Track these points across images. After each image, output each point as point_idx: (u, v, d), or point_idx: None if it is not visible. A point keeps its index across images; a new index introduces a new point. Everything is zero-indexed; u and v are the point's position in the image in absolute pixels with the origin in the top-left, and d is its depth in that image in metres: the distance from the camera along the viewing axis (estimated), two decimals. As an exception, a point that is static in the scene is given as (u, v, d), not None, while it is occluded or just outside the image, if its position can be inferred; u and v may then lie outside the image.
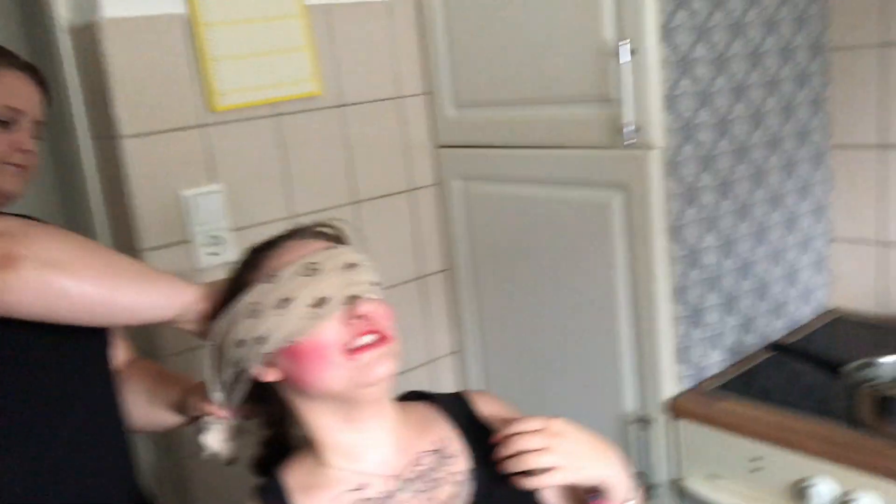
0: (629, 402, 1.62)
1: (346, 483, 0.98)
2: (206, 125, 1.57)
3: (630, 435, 1.62)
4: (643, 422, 1.59)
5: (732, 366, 1.65)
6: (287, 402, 1.00)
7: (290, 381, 0.96)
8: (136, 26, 1.47)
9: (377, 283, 1.00)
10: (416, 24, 1.86)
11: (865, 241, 1.82)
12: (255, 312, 0.94)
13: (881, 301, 1.82)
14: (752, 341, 1.70)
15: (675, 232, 1.51)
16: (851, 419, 1.37)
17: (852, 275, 1.86)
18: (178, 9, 1.51)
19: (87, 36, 1.48)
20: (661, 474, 1.59)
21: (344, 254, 0.98)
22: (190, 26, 1.52)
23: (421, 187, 1.92)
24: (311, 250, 0.97)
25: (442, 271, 1.99)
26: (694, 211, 1.54)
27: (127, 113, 1.47)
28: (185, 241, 1.56)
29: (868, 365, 1.41)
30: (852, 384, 1.38)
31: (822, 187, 1.82)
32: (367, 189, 1.83)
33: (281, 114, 1.67)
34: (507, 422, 1.01)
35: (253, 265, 0.99)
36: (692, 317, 1.57)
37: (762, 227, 1.69)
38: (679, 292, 1.54)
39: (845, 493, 1.31)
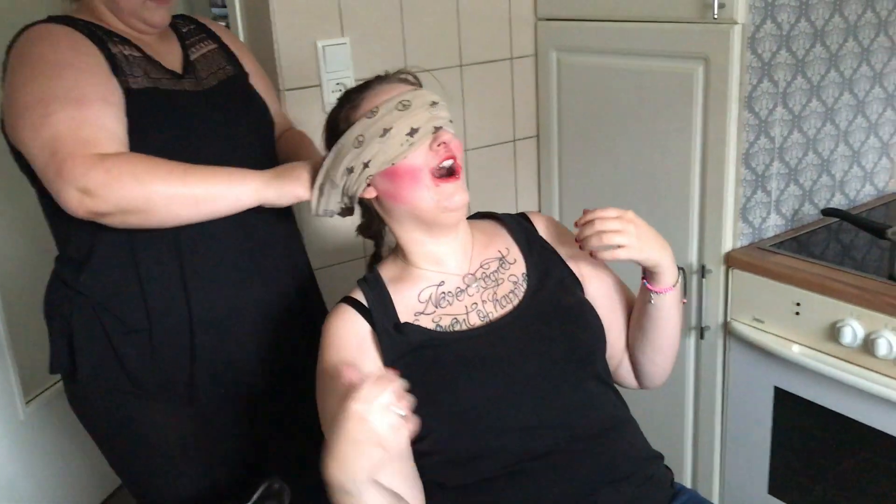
0: (692, 255, 1.84)
1: (428, 280, 1.24)
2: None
3: (692, 283, 1.84)
4: (703, 272, 1.81)
5: (788, 230, 1.84)
6: (382, 216, 1.25)
7: (385, 199, 1.21)
8: None
9: (451, 121, 1.23)
10: None
11: (931, 131, 1.95)
12: (360, 143, 1.17)
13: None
14: (811, 212, 1.89)
15: (748, 102, 1.69)
16: (889, 275, 1.56)
17: (914, 163, 2.00)
18: None
19: None
20: (714, 318, 1.82)
21: (428, 94, 1.21)
22: None
23: (520, 57, 2.12)
24: (401, 91, 1.20)
25: (533, 136, 2.21)
26: (767, 85, 1.71)
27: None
28: (316, 86, 1.81)
29: (910, 229, 1.59)
30: (893, 243, 1.56)
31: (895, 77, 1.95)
32: (472, 55, 2.04)
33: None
34: (563, 235, 1.25)
35: (352, 105, 1.22)
36: (756, 181, 1.76)
37: (831, 109, 1.84)
38: (746, 158, 1.73)
39: (871, 332, 1.52)
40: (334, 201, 1.25)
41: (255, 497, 1.31)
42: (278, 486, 1.34)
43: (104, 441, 1.42)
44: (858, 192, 1.98)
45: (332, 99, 1.83)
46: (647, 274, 1.26)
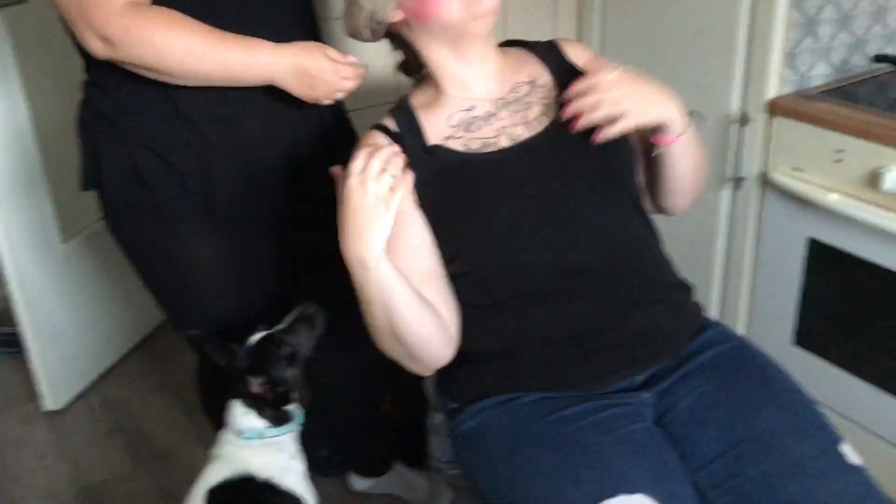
0: (734, 103, 1.79)
1: (458, 104, 1.22)
2: None
3: (730, 133, 1.80)
4: (744, 120, 1.77)
5: (836, 80, 1.79)
6: (412, 42, 1.22)
7: (413, 19, 1.17)
8: None
9: None
10: None
11: None
12: None
13: None
14: (861, 62, 1.82)
15: (805, -62, 1.61)
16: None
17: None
18: None
19: None
20: (752, 169, 1.79)
21: None
22: None
23: None
24: None
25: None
26: (827, -80, 1.62)
27: None
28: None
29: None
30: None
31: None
32: None
33: None
34: (592, 64, 1.20)
35: None
36: (806, 25, 1.69)
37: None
38: (797, 0, 1.66)
39: (915, 178, 1.49)
40: (362, 25, 1.22)
41: (289, 319, 1.35)
42: (313, 310, 1.37)
43: (140, 265, 1.46)
44: (911, 46, 1.91)
45: None
46: (653, 130, 1.20)
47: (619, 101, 1.13)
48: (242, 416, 1.30)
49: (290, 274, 1.53)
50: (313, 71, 1.26)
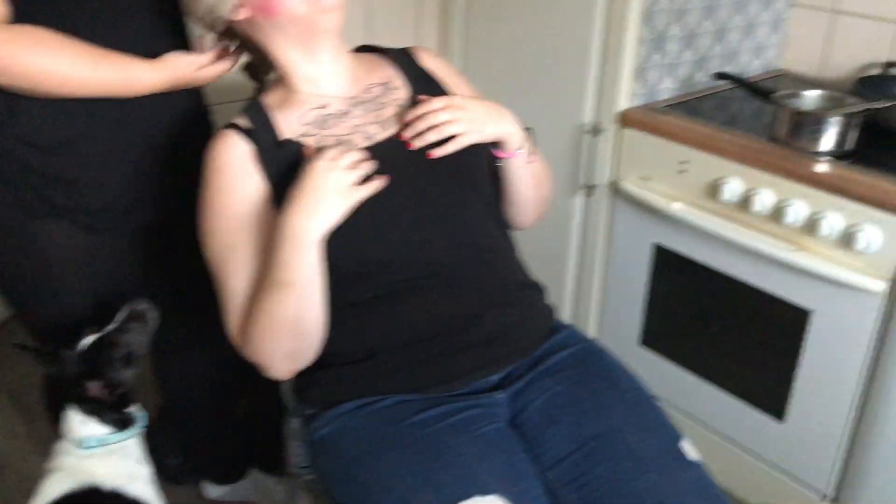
0: (587, 115, 1.86)
1: (310, 103, 1.21)
2: None
3: (583, 143, 1.87)
4: (596, 130, 1.84)
5: (680, 95, 1.89)
6: (260, 40, 1.19)
7: (258, 15, 1.15)
8: None
9: None
10: None
11: (820, 8, 2.01)
12: None
13: (820, 65, 2.04)
14: (702, 79, 1.93)
15: (654, -42, 1.69)
16: (771, 136, 1.63)
17: (802, 38, 2.07)
18: None
19: None
20: (603, 177, 1.86)
21: None
22: None
23: None
24: None
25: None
26: (674, -57, 1.71)
27: None
28: None
29: (794, 95, 1.66)
30: (776, 105, 1.62)
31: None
32: None
33: None
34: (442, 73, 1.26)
35: None
36: (655, 42, 1.78)
37: (732, -25, 1.87)
38: (648, 17, 1.74)
39: (748, 190, 1.59)
40: (199, 17, 1.20)
41: (120, 318, 1.29)
42: (143, 307, 1.32)
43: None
44: (748, 64, 2.04)
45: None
46: (493, 143, 1.26)
47: (454, 121, 1.18)
48: (82, 425, 1.23)
49: (145, 269, 1.48)
50: (190, 82, 1.30)
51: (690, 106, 1.82)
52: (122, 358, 1.26)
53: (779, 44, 2.10)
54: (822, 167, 1.52)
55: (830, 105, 1.63)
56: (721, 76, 1.85)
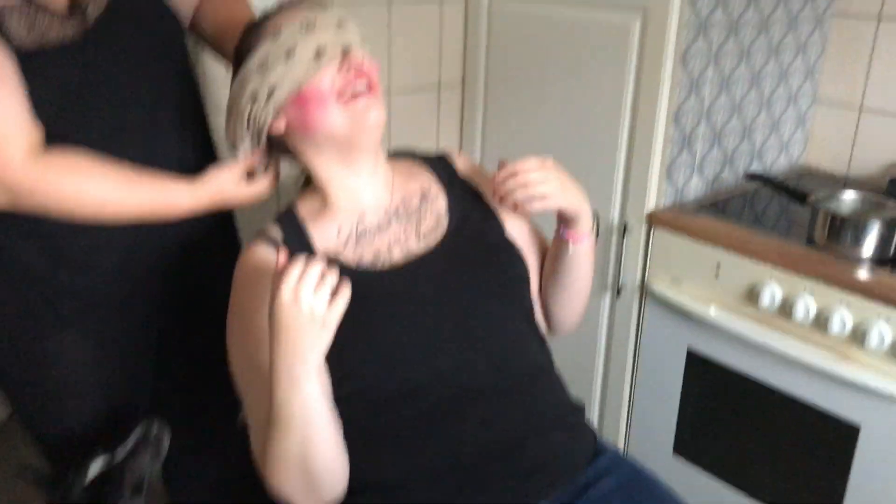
0: (615, 212, 1.81)
1: (348, 216, 1.17)
2: None
3: (611, 242, 1.82)
4: (624, 230, 1.79)
5: (708, 193, 1.84)
6: (298, 152, 1.16)
7: (297, 129, 1.12)
8: None
9: (364, 41, 1.15)
10: None
11: (846, 106, 1.99)
12: (264, 67, 1.09)
13: (847, 162, 2.01)
14: (729, 177, 1.89)
15: (684, 59, 1.66)
16: (808, 239, 1.57)
17: (827, 136, 2.04)
18: None
19: None
20: (632, 277, 1.80)
21: (335, 13, 1.13)
22: None
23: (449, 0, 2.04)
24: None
25: (458, 83, 2.13)
26: (703, 43, 1.69)
27: None
28: None
29: (831, 197, 1.61)
30: (813, 208, 1.57)
31: (817, 48, 1.98)
32: (400, -10, 1.94)
33: None
34: (504, 165, 1.19)
35: (255, 32, 1.13)
36: (682, 141, 1.74)
37: (757, 74, 1.85)
38: (676, 116, 1.71)
39: (788, 296, 1.53)
40: (240, 135, 1.16)
41: (131, 442, 1.21)
42: (156, 430, 1.24)
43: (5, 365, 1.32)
44: (774, 161, 2.01)
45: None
46: (565, 221, 1.22)
47: (542, 181, 1.15)
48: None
49: (155, 377, 1.42)
50: (231, 200, 1.22)
51: (720, 206, 1.78)
52: (133, 486, 1.17)
53: (804, 140, 2.07)
54: (864, 273, 1.46)
55: (869, 208, 1.58)
56: (752, 177, 1.81)
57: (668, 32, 1.63)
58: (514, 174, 1.16)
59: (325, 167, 1.16)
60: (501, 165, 1.18)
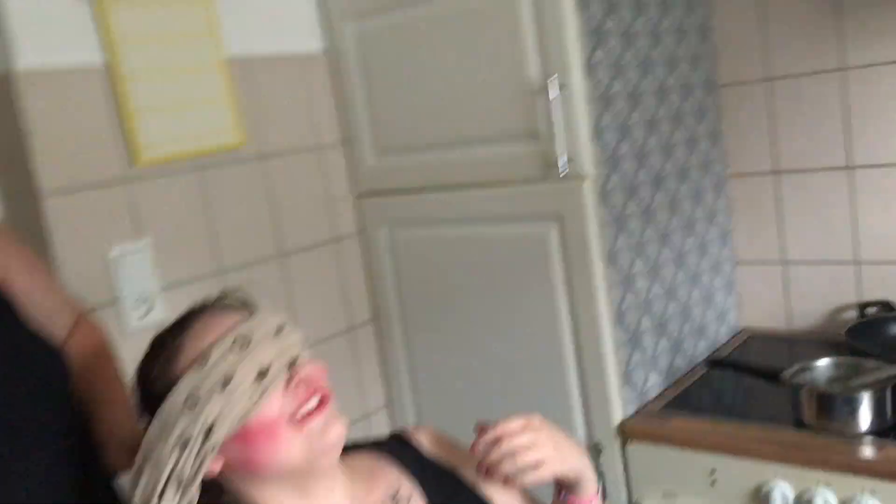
0: (579, 433, 1.63)
1: None
2: (131, 180, 1.49)
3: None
4: (595, 450, 1.60)
5: (669, 387, 1.70)
6: (234, 492, 0.92)
7: (239, 468, 0.90)
8: (54, 78, 1.39)
9: (304, 341, 0.96)
10: (332, 73, 1.86)
11: (767, 262, 1.94)
12: (193, 402, 0.85)
13: (786, 317, 1.94)
14: (681, 363, 1.77)
15: (611, 258, 1.56)
16: (796, 421, 1.44)
17: (758, 294, 1.97)
18: (97, 60, 1.45)
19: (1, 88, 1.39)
20: (618, 500, 1.60)
21: (270, 318, 0.92)
22: (110, 78, 1.46)
23: (345, 237, 1.90)
24: (233, 323, 0.90)
25: (370, 322, 1.96)
26: (624, 238, 1.60)
27: (48, 169, 1.38)
28: (112, 303, 1.46)
29: (805, 369, 1.49)
30: (793, 387, 1.45)
31: (725, 214, 1.94)
32: (293, 241, 1.79)
33: (205, 166, 1.61)
34: (483, 431, 1.01)
35: (169, 356, 0.90)
36: (632, 340, 1.62)
37: (680, 253, 1.77)
38: (618, 317, 1.58)
39: (802, 493, 1.37)
40: (157, 489, 0.87)
41: None
42: None
43: None
44: (717, 333, 1.91)
45: (133, 320, 1.48)
46: (566, 487, 1.04)
47: (532, 446, 0.98)
48: None
49: None
50: None
51: (689, 401, 1.63)
52: None
53: (738, 305, 1.99)
54: (871, 451, 1.32)
55: (848, 373, 1.47)
56: (714, 364, 1.68)
57: (590, 235, 1.54)
58: (497, 441, 0.98)
59: (273, 499, 0.92)
60: (480, 431, 1.00)
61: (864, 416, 1.37)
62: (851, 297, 1.84)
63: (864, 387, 1.39)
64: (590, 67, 1.52)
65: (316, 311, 1.83)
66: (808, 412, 1.42)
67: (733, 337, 1.95)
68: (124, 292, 1.47)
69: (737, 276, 1.99)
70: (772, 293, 1.96)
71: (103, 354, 1.21)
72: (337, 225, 1.88)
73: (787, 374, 1.49)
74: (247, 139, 1.68)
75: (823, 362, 1.51)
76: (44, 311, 1.15)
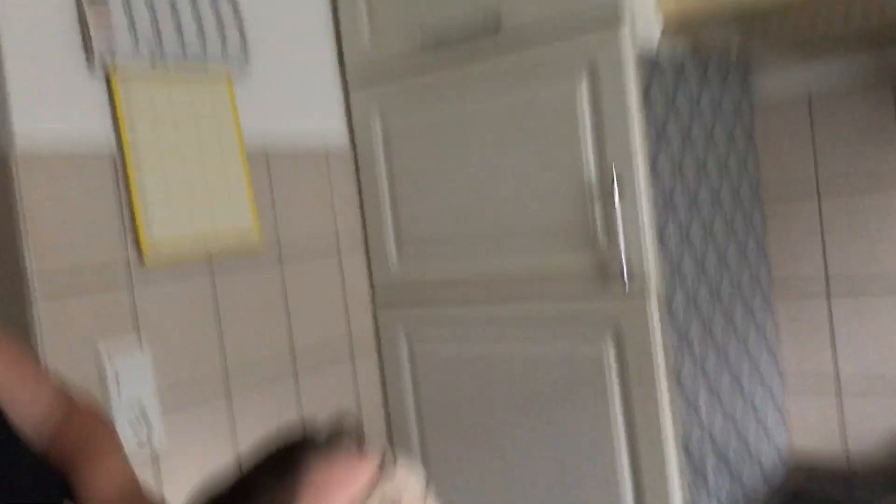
0: (637, 583, 1.42)
1: None
2: (135, 282, 1.30)
3: None
4: None
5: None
6: None
7: None
8: (55, 164, 1.21)
9: None
10: (356, 172, 1.70)
11: (819, 384, 1.78)
12: None
13: (847, 448, 1.77)
14: (737, 491, 1.58)
15: (678, 381, 1.39)
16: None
17: (807, 418, 1.81)
18: (104, 146, 1.27)
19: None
20: None
21: (413, 477, 0.69)
22: (118, 167, 1.28)
23: (363, 354, 1.70)
24: (370, 478, 0.66)
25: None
26: (689, 360, 1.43)
27: (41, 268, 1.18)
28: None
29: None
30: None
31: (772, 333, 1.79)
32: (307, 355, 1.58)
33: (218, 268, 1.42)
34: None
35: None
36: (697, 478, 1.43)
37: (736, 377, 1.61)
38: (684, 451, 1.40)
39: None
40: None
41: None
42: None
43: None
44: (768, 463, 1.72)
45: (132, 445, 1.26)
46: None
47: None
48: None
49: None
50: None
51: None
52: None
53: (785, 429, 1.82)
54: None
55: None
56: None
57: (655, 357, 1.37)
58: None
59: None
60: None
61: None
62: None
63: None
64: (654, 170, 1.38)
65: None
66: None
67: (787, 469, 1.77)
68: (121, 410, 1.25)
69: (787, 400, 1.82)
70: (820, 420, 1.79)
71: (100, 433, 0.99)
72: (355, 338, 1.68)
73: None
74: (264, 241, 1.50)
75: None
76: (29, 404, 0.95)
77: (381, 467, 0.68)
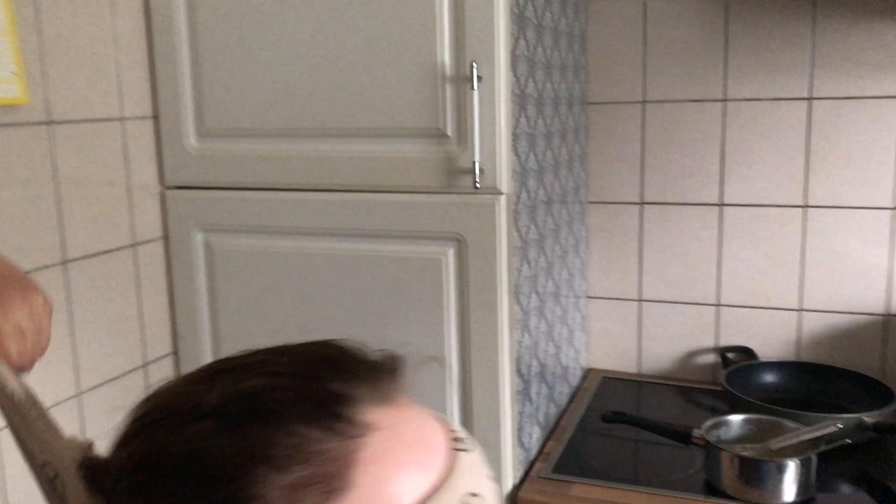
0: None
1: None
2: None
3: None
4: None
5: (549, 443, 1.47)
6: None
7: None
8: None
9: None
10: (147, 23, 1.39)
11: (622, 299, 1.80)
12: None
13: (637, 359, 1.81)
14: (553, 412, 1.55)
15: (516, 292, 1.30)
16: (705, 485, 1.28)
17: (607, 333, 1.82)
18: None
19: None
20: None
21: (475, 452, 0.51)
22: None
23: (145, 241, 1.42)
24: (438, 443, 0.48)
25: (171, 354, 1.49)
26: (526, 266, 1.34)
27: None
28: None
29: (716, 426, 1.34)
30: (710, 449, 1.29)
31: (584, 244, 1.77)
32: (79, 244, 1.29)
33: (-34, 125, 1.08)
34: None
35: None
36: (525, 391, 1.36)
37: (557, 286, 1.56)
38: (518, 363, 1.32)
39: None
40: None
41: None
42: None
43: None
44: (572, 374, 1.72)
45: None
46: None
47: None
48: None
49: None
50: None
51: (579, 461, 1.41)
52: None
53: (585, 343, 1.82)
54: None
55: (762, 433, 1.33)
56: (612, 418, 1.46)
57: (499, 263, 1.25)
58: None
59: None
60: None
61: (789, 487, 1.23)
62: (709, 342, 1.75)
63: (788, 453, 1.26)
64: (514, 59, 1.24)
65: (105, 337, 1.34)
66: (731, 480, 1.26)
67: (587, 379, 1.77)
68: None
69: (589, 313, 1.82)
70: (623, 333, 1.81)
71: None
72: (138, 225, 1.41)
73: (698, 432, 1.32)
74: (30, 95, 1.17)
75: (736, 419, 1.36)
76: None
77: (456, 439, 0.49)
